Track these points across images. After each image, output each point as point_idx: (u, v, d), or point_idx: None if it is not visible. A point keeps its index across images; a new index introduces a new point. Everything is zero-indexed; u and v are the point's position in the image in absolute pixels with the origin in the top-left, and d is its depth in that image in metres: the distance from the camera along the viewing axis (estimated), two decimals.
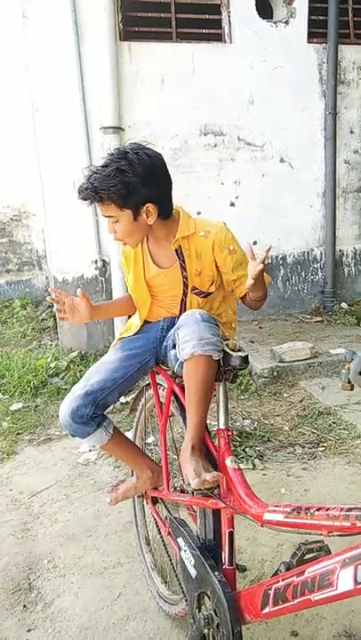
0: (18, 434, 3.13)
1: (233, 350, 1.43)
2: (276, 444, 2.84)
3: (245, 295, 1.59)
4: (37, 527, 2.31)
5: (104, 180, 1.42)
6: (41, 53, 3.76)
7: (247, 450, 2.75)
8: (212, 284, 1.61)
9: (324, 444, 2.80)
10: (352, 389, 1.04)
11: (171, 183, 1.54)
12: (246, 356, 1.41)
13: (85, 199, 1.47)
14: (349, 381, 1.03)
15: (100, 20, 3.65)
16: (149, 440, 2.18)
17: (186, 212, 1.60)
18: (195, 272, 1.58)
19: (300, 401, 3.27)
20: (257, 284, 1.43)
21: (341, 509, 0.99)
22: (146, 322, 1.73)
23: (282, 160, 4.42)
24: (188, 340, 1.35)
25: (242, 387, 3.44)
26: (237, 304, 1.74)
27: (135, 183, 1.43)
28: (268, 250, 1.36)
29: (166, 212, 1.54)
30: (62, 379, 3.73)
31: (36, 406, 3.44)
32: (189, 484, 1.40)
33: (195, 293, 1.60)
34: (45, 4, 3.67)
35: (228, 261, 1.57)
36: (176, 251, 1.57)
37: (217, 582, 1.28)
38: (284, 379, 3.51)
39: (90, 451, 2.84)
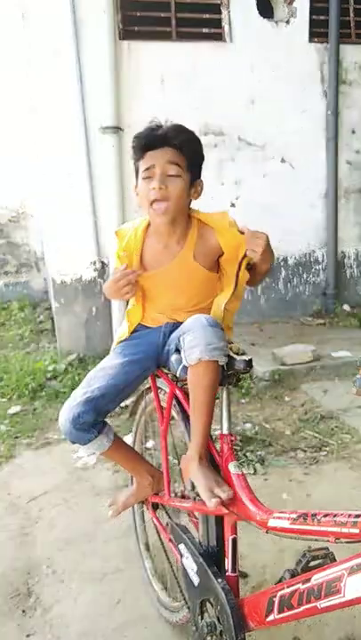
0: (16, 437, 3.10)
1: (237, 354, 1.40)
2: (278, 448, 2.81)
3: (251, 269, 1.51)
4: (36, 532, 2.28)
5: (183, 131, 1.42)
6: (40, 53, 3.75)
7: (248, 454, 2.73)
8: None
9: (327, 449, 2.77)
10: None
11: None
12: (250, 360, 1.38)
13: (165, 137, 1.39)
14: None
15: (99, 19, 3.64)
16: (149, 444, 2.16)
17: (196, 210, 1.57)
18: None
19: (302, 405, 3.24)
20: (266, 255, 1.41)
21: (349, 516, 0.97)
22: (145, 327, 1.69)
23: (283, 160, 4.40)
24: (196, 346, 1.32)
25: (243, 390, 3.42)
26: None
27: (202, 154, 1.46)
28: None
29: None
30: (60, 382, 3.70)
31: (35, 409, 3.41)
32: (192, 490, 1.38)
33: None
34: (44, 5, 3.65)
35: (234, 239, 1.50)
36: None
37: (220, 589, 1.27)
38: (285, 382, 3.48)
39: (88, 455, 2.82)
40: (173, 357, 1.54)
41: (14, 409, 3.42)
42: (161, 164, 1.40)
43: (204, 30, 4.08)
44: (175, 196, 1.43)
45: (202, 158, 1.48)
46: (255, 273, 1.51)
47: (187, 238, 1.54)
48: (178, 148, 1.40)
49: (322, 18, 4.29)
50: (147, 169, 1.42)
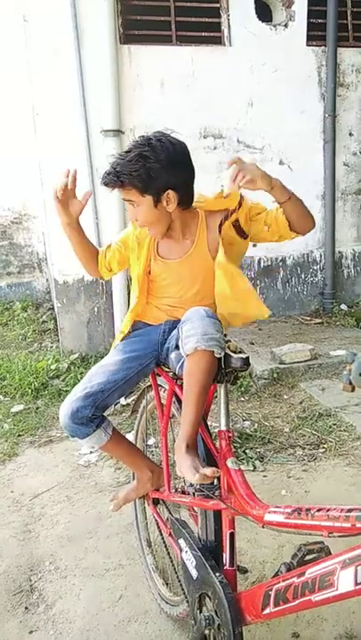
0: (19, 435, 3.13)
1: (234, 352, 1.43)
2: (277, 445, 2.84)
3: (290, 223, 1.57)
4: (39, 529, 2.31)
5: (126, 165, 1.45)
6: (41, 57, 3.77)
7: (248, 451, 2.76)
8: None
9: (325, 446, 2.80)
10: (353, 391, 1.05)
11: (193, 172, 1.56)
12: (247, 358, 1.41)
13: (107, 184, 1.49)
14: (350, 382, 1.04)
15: (100, 23, 3.66)
16: (150, 442, 2.19)
17: (198, 210, 1.62)
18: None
19: (301, 402, 3.27)
20: (263, 181, 1.46)
21: (342, 510, 1.00)
22: (146, 324, 1.73)
23: (281, 162, 4.43)
24: (192, 335, 1.36)
25: (242, 388, 3.45)
26: None
27: (157, 169, 1.45)
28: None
29: (187, 200, 1.55)
30: (63, 380, 3.73)
31: (37, 408, 3.44)
32: (191, 485, 1.40)
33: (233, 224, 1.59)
34: (46, 8, 3.68)
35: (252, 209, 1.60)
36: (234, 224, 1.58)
37: (218, 583, 1.29)
38: (284, 380, 3.51)
39: (91, 452, 2.85)
40: (173, 354, 1.58)
41: (17, 408, 3.45)
42: (124, 199, 1.54)
43: (204, 34, 4.11)
44: (146, 221, 1.56)
45: (164, 171, 1.46)
46: (286, 213, 1.55)
47: (197, 234, 1.60)
48: (126, 186, 1.48)
49: (320, 21, 4.32)
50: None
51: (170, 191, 1.49)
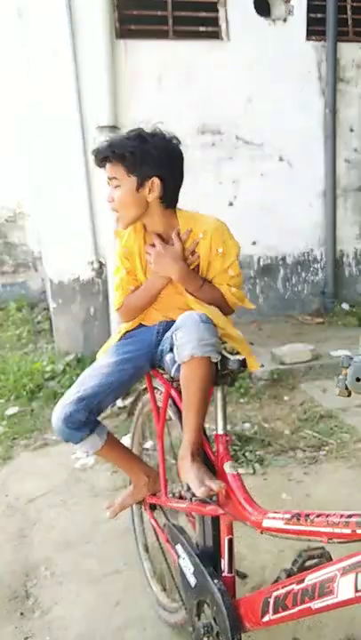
0: (14, 438, 3.10)
1: (231, 353, 1.39)
2: (277, 448, 2.80)
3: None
4: (34, 534, 2.27)
5: (123, 141, 1.46)
6: (37, 52, 3.74)
7: (247, 454, 2.72)
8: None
9: (326, 448, 2.77)
10: (349, 396, 1.01)
11: (182, 177, 1.54)
12: (244, 360, 1.38)
13: (98, 154, 1.48)
14: (346, 387, 0.99)
15: (96, 17, 3.62)
16: (147, 445, 2.15)
17: (185, 212, 1.58)
18: None
19: (301, 404, 3.23)
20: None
21: (341, 516, 0.97)
22: (140, 325, 1.69)
23: (281, 159, 4.39)
24: (187, 342, 1.32)
25: (241, 390, 3.41)
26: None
27: (151, 153, 1.44)
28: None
29: (169, 199, 1.53)
30: (58, 382, 3.69)
31: (32, 410, 3.41)
32: (189, 490, 1.36)
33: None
34: (41, 3, 3.64)
35: (216, 264, 1.56)
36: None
37: (216, 590, 1.26)
38: (284, 381, 3.47)
39: (87, 456, 2.80)
40: (168, 357, 1.54)
41: (12, 410, 3.41)
42: (107, 179, 1.51)
43: (202, 29, 4.08)
44: (121, 203, 1.50)
45: (154, 158, 1.45)
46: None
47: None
48: (112, 161, 1.46)
49: (319, 16, 4.28)
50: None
51: (155, 179, 1.47)
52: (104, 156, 1.47)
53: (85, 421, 1.54)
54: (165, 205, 1.53)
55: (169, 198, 1.52)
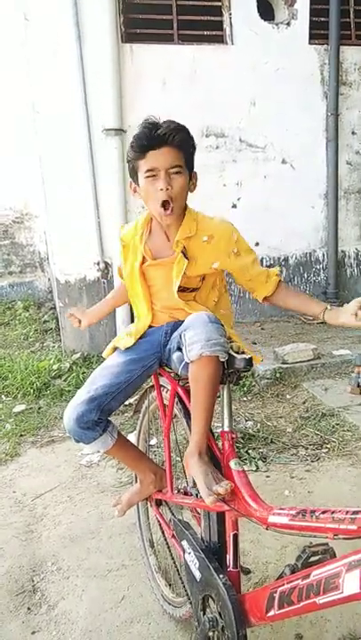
0: (21, 435, 3.13)
1: (237, 352, 1.42)
2: (280, 445, 2.83)
3: (268, 298, 1.60)
4: (41, 529, 2.30)
5: (181, 129, 1.43)
6: (42, 55, 3.77)
7: (250, 452, 2.75)
8: (201, 280, 1.59)
9: (328, 446, 2.79)
10: None
11: None
12: (250, 359, 1.40)
13: (164, 137, 1.40)
14: (358, 385, 1.02)
15: (101, 22, 3.66)
16: (153, 442, 2.18)
17: (192, 211, 1.57)
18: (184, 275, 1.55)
19: (303, 402, 3.26)
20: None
21: (347, 512, 0.99)
22: (149, 326, 1.71)
23: (284, 161, 4.41)
24: (196, 342, 1.35)
25: (245, 388, 3.44)
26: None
27: (195, 148, 1.48)
28: None
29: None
30: (65, 380, 3.72)
31: (39, 408, 3.44)
32: (194, 487, 1.39)
33: (179, 291, 1.56)
34: (47, 7, 3.67)
35: (236, 265, 1.55)
36: (183, 252, 1.53)
37: (222, 585, 1.28)
38: (286, 380, 3.50)
39: (93, 453, 2.84)
40: (175, 355, 1.56)
41: (19, 408, 3.44)
42: (164, 164, 1.43)
43: (206, 33, 4.10)
44: (179, 195, 1.46)
45: (195, 150, 1.51)
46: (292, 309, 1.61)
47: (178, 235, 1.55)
48: (177, 147, 1.42)
49: (322, 19, 4.31)
50: (150, 169, 1.44)
51: (195, 172, 1.52)
52: (166, 140, 1.40)
53: (97, 421, 1.56)
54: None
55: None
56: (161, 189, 1.43)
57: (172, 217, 1.49)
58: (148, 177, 1.45)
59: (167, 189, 1.43)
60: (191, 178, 1.51)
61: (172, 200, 1.45)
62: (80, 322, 1.89)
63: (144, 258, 1.60)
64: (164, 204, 1.45)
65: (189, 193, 1.52)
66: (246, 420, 3.09)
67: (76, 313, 1.90)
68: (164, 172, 1.43)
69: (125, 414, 3.09)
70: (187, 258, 1.52)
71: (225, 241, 1.53)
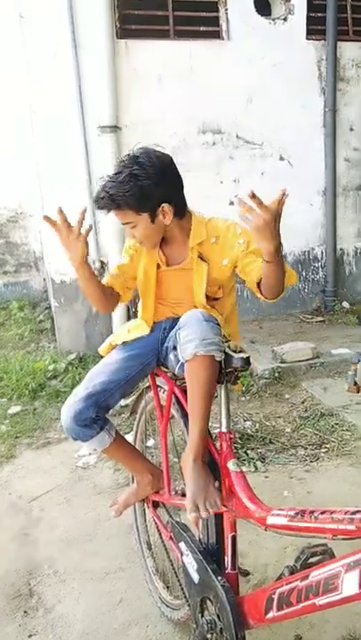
0: (16, 437, 3.10)
1: (234, 351, 1.40)
2: (278, 445, 2.82)
3: (259, 283, 1.47)
4: (37, 532, 2.29)
5: (119, 187, 1.43)
6: (38, 53, 3.74)
7: (249, 452, 2.74)
8: (219, 288, 1.60)
9: (327, 446, 2.78)
10: (358, 392, 1.03)
11: (182, 181, 1.55)
12: (248, 358, 1.39)
13: (103, 208, 1.48)
14: (355, 383, 1.01)
15: (96, 18, 3.62)
16: (150, 443, 2.16)
17: (198, 216, 1.60)
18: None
19: (302, 402, 3.24)
20: (272, 257, 1.33)
21: (346, 512, 0.98)
22: None
23: (281, 158, 4.39)
24: (191, 340, 1.33)
25: (243, 388, 3.42)
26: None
27: (149, 186, 1.43)
28: (283, 195, 1.24)
29: (181, 210, 1.54)
30: (61, 381, 3.70)
31: (35, 409, 3.41)
32: None
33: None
34: (42, 4, 3.64)
35: (240, 253, 1.52)
36: (200, 257, 1.56)
37: (220, 587, 1.27)
38: (285, 379, 3.48)
39: (89, 454, 2.82)
40: (172, 355, 1.56)
41: (14, 409, 3.41)
42: (121, 221, 1.53)
43: (202, 28, 4.07)
44: (144, 237, 1.54)
45: (156, 187, 1.45)
46: (265, 272, 1.41)
47: (190, 239, 1.57)
48: (119, 209, 1.47)
49: (319, 15, 4.28)
50: None
51: (165, 205, 1.49)
52: (111, 206, 1.47)
53: (95, 418, 1.57)
54: (180, 216, 1.55)
55: (180, 210, 1.54)
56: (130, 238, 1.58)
57: (149, 248, 1.59)
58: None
59: (133, 237, 1.56)
60: (157, 214, 1.48)
61: (141, 242, 1.57)
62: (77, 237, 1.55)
63: (158, 263, 1.62)
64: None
65: (166, 222, 1.50)
66: (245, 420, 3.07)
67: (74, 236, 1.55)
68: (124, 226, 1.53)
69: (122, 415, 3.07)
70: (204, 261, 1.55)
71: (230, 235, 1.54)
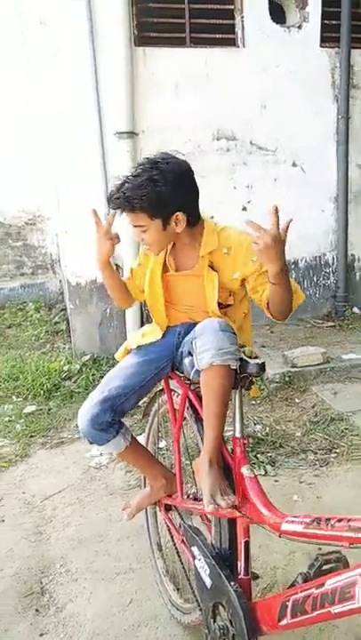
0: (31, 436, 3.14)
1: (250, 357, 1.42)
2: (288, 450, 2.83)
3: (268, 303, 1.53)
4: (50, 531, 2.31)
5: (137, 190, 1.43)
6: (57, 59, 3.78)
7: (259, 456, 2.75)
8: (229, 295, 1.61)
9: (337, 451, 2.78)
10: None
11: (198, 190, 1.55)
12: (263, 364, 1.40)
13: (117, 208, 1.48)
14: None
15: (115, 26, 3.66)
16: (161, 444, 2.18)
17: (211, 224, 1.59)
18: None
19: (313, 406, 3.25)
20: (277, 279, 1.37)
21: None
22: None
23: (294, 164, 4.40)
24: (207, 350, 1.35)
25: (259, 393, 3.42)
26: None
27: (166, 192, 1.44)
28: (277, 211, 1.32)
29: (194, 219, 1.55)
30: (75, 382, 3.73)
31: (49, 409, 3.45)
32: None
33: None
34: (63, 11, 3.68)
35: (253, 271, 1.54)
36: (210, 266, 1.56)
37: (233, 592, 1.27)
38: (295, 384, 3.49)
39: (101, 455, 2.85)
40: (187, 360, 1.57)
41: (29, 408, 3.45)
42: (131, 224, 1.52)
43: (218, 36, 4.09)
44: (152, 242, 1.54)
45: (172, 194, 1.46)
46: (272, 293, 1.46)
47: (202, 246, 1.58)
48: (134, 211, 1.47)
49: (334, 22, 4.28)
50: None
51: (179, 213, 1.49)
52: (125, 206, 1.46)
53: (111, 422, 1.58)
54: (192, 225, 1.55)
55: (193, 219, 1.54)
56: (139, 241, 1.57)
57: (156, 253, 1.60)
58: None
59: (141, 241, 1.55)
60: (170, 222, 1.49)
61: (149, 247, 1.57)
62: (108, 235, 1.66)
63: (167, 268, 1.63)
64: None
65: (178, 230, 1.51)
66: (255, 424, 3.09)
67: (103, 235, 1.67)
68: (134, 230, 1.53)
69: (134, 416, 3.10)
70: (215, 270, 1.55)
71: (243, 250, 1.54)
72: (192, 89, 4.03)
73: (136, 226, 1.51)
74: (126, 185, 1.45)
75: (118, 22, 3.64)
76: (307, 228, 4.51)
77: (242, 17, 4.06)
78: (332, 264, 4.71)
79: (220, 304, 1.58)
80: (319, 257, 4.67)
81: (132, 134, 3.84)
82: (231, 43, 4.12)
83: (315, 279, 4.69)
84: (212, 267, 1.55)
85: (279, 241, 1.32)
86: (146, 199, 1.43)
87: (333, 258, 4.69)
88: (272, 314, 1.53)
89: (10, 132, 5.49)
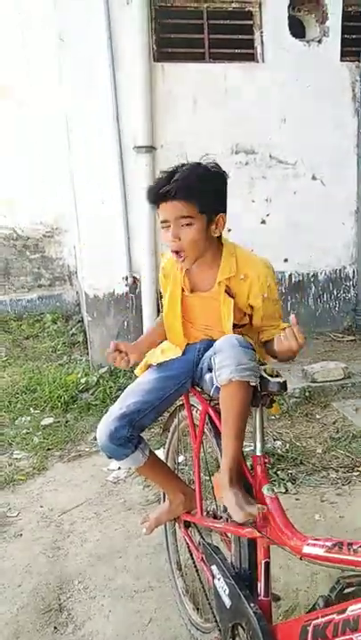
0: (48, 449, 3.14)
1: (271, 375, 1.40)
2: (309, 467, 2.78)
3: (267, 343, 1.57)
4: (68, 546, 2.30)
5: (195, 179, 1.41)
6: (76, 74, 3.85)
7: (279, 473, 2.70)
8: (244, 315, 1.60)
9: (359, 469, 2.72)
10: None
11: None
12: (285, 382, 1.38)
13: (169, 192, 1.39)
14: None
15: (134, 42, 3.71)
16: (180, 459, 2.16)
17: (230, 246, 1.57)
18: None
19: (334, 423, 3.20)
20: (283, 352, 1.42)
21: None
22: None
23: (314, 178, 4.39)
24: (226, 366, 1.34)
25: (280, 411, 3.38)
26: None
27: (218, 188, 1.46)
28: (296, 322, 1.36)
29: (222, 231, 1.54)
30: (92, 394, 3.73)
31: (67, 422, 3.45)
32: (225, 511, 1.37)
33: None
34: (82, 27, 3.75)
35: (260, 308, 1.55)
36: (226, 292, 1.54)
37: (253, 614, 1.25)
38: (316, 399, 3.44)
39: (119, 468, 2.84)
40: (207, 376, 1.56)
41: (47, 421, 3.46)
42: (172, 217, 1.44)
43: (237, 51, 4.13)
44: (189, 245, 1.46)
45: (218, 194, 1.47)
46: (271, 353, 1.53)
47: (220, 268, 1.55)
48: (184, 199, 1.41)
49: (354, 37, 4.29)
50: (163, 220, 1.47)
51: (222, 214, 1.48)
52: (175, 194, 1.40)
53: (129, 437, 1.57)
54: (218, 236, 1.53)
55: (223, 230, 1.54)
56: (170, 240, 1.47)
57: (187, 263, 1.51)
58: (162, 227, 1.49)
59: (174, 241, 1.46)
60: (212, 222, 1.47)
61: (183, 250, 1.47)
62: (128, 360, 1.69)
63: (183, 288, 1.62)
64: (177, 253, 1.48)
65: (216, 234, 1.49)
66: (275, 440, 3.05)
67: (122, 346, 1.71)
68: (173, 224, 1.44)
69: (152, 430, 3.08)
70: (231, 296, 1.54)
71: (258, 286, 1.53)
72: (211, 103, 4.06)
73: (182, 217, 1.42)
74: (183, 174, 1.41)
75: (137, 38, 3.70)
76: (326, 241, 4.49)
77: (261, 32, 4.09)
78: (353, 277, 4.66)
79: (235, 324, 1.57)
80: (339, 270, 4.63)
81: (150, 148, 3.88)
82: (250, 58, 4.15)
83: (335, 292, 4.65)
84: (228, 292, 1.54)
85: (300, 347, 1.37)
86: (203, 189, 1.41)
87: (354, 271, 4.64)
88: (267, 353, 1.57)
89: (29, 152, 5.59)
